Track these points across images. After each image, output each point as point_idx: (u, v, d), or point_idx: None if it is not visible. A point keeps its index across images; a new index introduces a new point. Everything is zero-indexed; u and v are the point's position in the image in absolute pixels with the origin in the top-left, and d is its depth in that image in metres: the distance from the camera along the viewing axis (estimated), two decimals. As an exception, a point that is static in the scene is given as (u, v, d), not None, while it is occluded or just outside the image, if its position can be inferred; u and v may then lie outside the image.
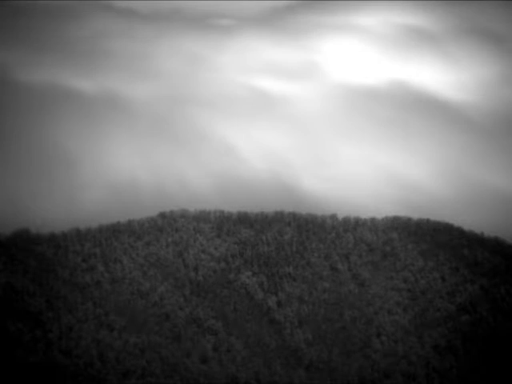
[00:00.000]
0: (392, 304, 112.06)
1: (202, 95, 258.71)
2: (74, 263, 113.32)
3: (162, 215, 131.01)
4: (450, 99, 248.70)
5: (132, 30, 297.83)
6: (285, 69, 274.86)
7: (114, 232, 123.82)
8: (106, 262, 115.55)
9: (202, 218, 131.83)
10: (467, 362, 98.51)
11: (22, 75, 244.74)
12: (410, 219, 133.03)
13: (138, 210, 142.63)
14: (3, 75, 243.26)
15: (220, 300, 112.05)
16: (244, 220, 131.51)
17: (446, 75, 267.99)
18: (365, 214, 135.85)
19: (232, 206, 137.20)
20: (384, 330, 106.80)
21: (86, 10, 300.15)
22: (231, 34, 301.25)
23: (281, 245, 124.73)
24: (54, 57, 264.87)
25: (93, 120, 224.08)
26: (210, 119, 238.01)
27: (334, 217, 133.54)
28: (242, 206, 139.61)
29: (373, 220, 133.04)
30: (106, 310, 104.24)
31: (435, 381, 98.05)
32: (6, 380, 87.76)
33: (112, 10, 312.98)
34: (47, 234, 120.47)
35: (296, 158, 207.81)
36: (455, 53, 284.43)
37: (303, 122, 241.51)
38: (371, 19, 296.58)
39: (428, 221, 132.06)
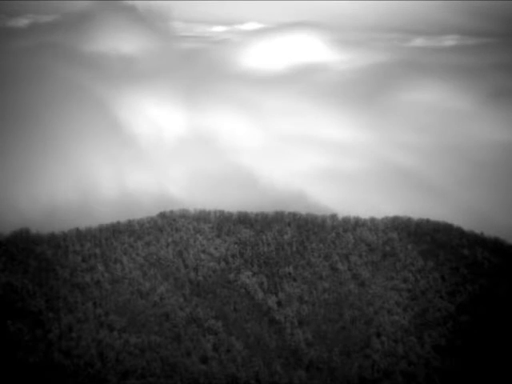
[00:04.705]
0: (392, 304, 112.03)
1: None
2: (73, 263, 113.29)
3: (162, 215, 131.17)
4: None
5: None
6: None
7: (114, 232, 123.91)
8: (106, 262, 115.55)
9: (202, 217, 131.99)
10: (467, 362, 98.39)
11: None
12: (410, 219, 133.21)
13: (138, 210, 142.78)
14: None
15: (220, 300, 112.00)
16: (244, 220, 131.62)
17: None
18: (365, 214, 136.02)
19: (232, 206, 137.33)
20: (384, 329, 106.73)
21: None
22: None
23: (281, 245, 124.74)
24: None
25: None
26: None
27: (334, 217, 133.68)
28: (241, 206, 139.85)
29: (373, 220, 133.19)
30: (106, 310, 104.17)
31: (435, 381, 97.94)
32: (6, 380, 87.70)
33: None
34: (47, 233, 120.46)
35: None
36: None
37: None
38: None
39: (428, 221, 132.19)
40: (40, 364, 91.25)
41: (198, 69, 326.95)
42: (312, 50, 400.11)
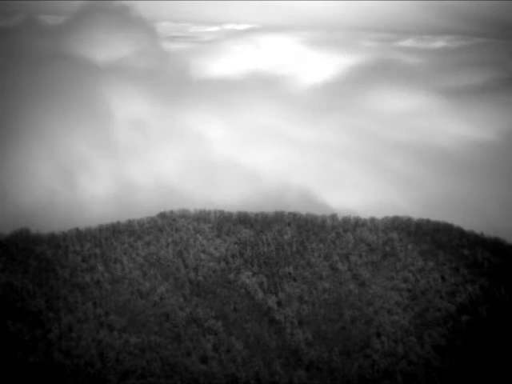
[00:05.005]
0: (392, 304, 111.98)
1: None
2: (73, 263, 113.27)
3: (162, 215, 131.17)
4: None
5: None
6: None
7: (114, 232, 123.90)
8: (106, 262, 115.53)
9: (202, 217, 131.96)
10: (467, 362, 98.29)
11: None
12: (410, 219, 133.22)
13: (138, 210, 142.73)
14: None
15: (220, 300, 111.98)
16: (244, 220, 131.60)
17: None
18: (365, 214, 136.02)
19: (232, 206, 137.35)
20: (384, 329, 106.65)
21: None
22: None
23: (281, 245, 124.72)
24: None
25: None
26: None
27: (333, 217, 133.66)
28: (241, 206, 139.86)
29: (373, 220, 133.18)
30: (106, 309, 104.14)
31: (435, 381, 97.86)
32: (6, 380, 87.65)
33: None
34: (47, 234, 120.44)
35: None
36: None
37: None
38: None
39: (428, 221, 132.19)
40: (40, 364, 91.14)
41: (183, 69, 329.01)
42: (297, 50, 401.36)
